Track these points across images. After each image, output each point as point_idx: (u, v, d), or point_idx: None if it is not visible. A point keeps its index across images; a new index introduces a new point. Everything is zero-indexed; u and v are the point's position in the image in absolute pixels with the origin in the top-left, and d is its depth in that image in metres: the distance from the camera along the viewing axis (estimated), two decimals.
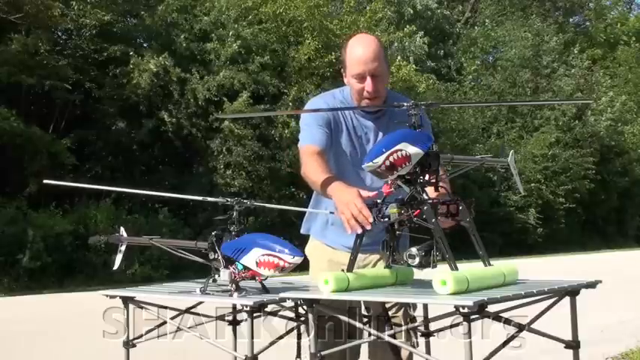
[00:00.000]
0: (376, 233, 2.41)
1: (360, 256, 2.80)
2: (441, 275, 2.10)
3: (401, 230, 2.34)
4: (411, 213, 2.23)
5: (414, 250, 2.26)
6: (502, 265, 2.41)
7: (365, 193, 2.33)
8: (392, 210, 2.25)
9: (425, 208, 2.21)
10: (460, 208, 2.34)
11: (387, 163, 2.18)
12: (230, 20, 17.96)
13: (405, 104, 2.35)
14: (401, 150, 2.18)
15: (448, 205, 2.35)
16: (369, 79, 2.70)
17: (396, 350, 2.75)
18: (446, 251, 2.18)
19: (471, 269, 2.22)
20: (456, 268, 2.16)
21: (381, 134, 2.79)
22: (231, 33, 17.54)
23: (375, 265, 2.86)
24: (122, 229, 3.08)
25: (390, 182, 2.29)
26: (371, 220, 2.24)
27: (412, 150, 2.19)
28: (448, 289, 2.09)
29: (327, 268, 2.87)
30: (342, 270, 2.38)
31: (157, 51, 16.67)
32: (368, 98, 2.73)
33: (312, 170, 2.66)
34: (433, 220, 2.20)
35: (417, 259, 2.25)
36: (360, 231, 2.27)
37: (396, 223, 2.28)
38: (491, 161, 2.63)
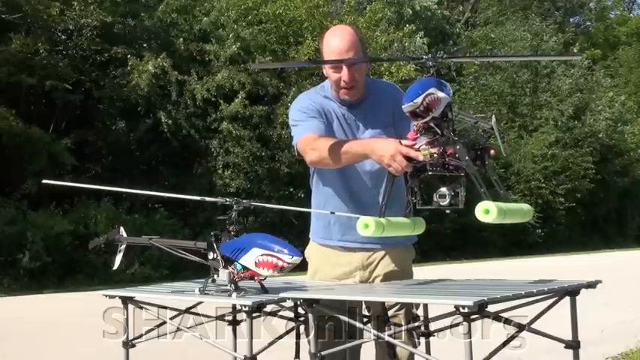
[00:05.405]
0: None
1: (365, 254, 2.83)
2: (485, 204, 2.16)
3: (430, 171, 2.35)
4: (444, 153, 2.28)
5: (444, 189, 2.32)
6: (522, 205, 2.48)
7: (404, 142, 2.38)
8: (424, 152, 2.29)
9: (458, 147, 2.26)
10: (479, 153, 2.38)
11: (425, 103, 2.25)
12: (230, 21, 17.95)
13: (424, 56, 2.39)
14: (433, 93, 2.26)
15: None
16: (345, 69, 2.71)
17: (392, 352, 2.74)
18: (480, 186, 2.25)
19: (504, 203, 2.28)
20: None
21: (368, 119, 2.79)
22: (231, 34, 17.52)
23: (378, 263, 2.85)
24: (122, 229, 3.07)
25: (415, 128, 2.35)
26: (421, 156, 2.29)
27: (441, 94, 2.28)
28: (491, 217, 2.15)
29: (332, 269, 2.87)
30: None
31: (156, 51, 16.65)
32: (345, 88, 2.74)
33: (328, 145, 2.61)
34: (467, 157, 2.25)
35: (448, 199, 2.31)
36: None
37: (428, 164, 2.31)
38: (476, 119, 2.76)
